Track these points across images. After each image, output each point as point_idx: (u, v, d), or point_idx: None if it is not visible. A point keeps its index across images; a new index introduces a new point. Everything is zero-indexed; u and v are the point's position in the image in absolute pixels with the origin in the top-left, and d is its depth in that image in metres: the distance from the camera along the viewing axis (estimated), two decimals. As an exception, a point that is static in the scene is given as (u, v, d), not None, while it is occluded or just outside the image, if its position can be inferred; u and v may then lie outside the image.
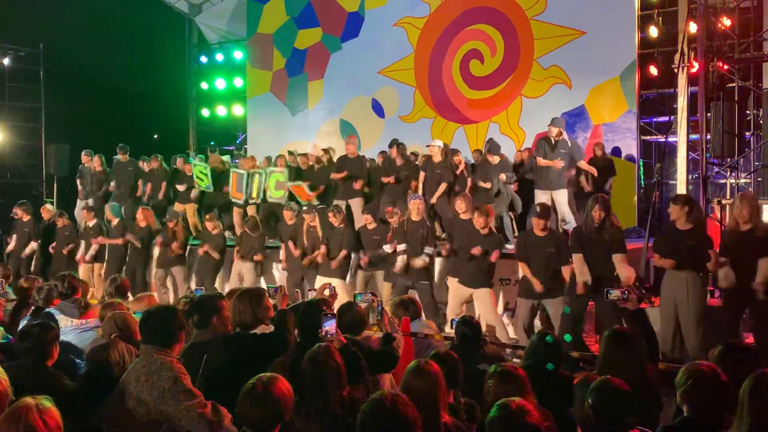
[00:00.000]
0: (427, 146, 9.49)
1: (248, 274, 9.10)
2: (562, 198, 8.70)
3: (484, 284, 7.12)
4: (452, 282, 7.35)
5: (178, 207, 10.83)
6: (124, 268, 9.73)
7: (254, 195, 10.31)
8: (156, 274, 9.57)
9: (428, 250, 7.70)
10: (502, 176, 9.18)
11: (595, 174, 9.26)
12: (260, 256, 9.10)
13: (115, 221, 9.89)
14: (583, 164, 9.08)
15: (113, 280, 5.94)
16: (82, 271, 9.85)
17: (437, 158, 9.10)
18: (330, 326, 3.71)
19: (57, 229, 10.55)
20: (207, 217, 9.69)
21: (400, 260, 7.64)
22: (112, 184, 11.53)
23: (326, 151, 11.14)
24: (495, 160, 9.20)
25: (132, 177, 11.43)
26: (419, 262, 7.63)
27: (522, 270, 6.83)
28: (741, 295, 5.80)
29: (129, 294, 6.05)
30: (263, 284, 8.54)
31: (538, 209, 6.83)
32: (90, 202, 11.38)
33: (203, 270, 9.34)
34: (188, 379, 3.25)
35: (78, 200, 12.05)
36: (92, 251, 9.94)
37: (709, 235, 6.38)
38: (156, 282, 9.57)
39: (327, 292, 4.54)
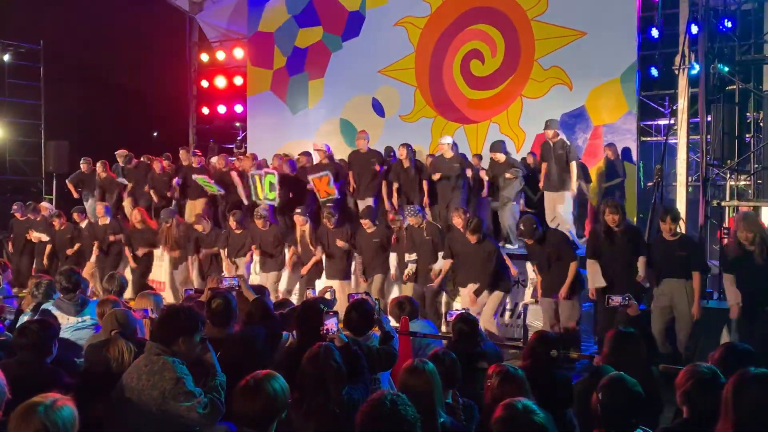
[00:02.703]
0: (439, 144, 9.60)
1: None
2: (563, 200, 8.76)
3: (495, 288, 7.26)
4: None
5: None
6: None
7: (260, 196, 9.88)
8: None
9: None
10: (508, 175, 9.18)
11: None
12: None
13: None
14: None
15: (111, 278, 5.93)
16: (86, 269, 9.89)
17: (448, 155, 9.25)
18: (331, 324, 3.70)
19: (57, 232, 10.47)
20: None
21: (410, 269, 7.80)
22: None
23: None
24: (500, 158, 9.22)
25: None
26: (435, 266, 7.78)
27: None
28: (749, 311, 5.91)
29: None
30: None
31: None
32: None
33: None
34: (190, 379, 3.22)
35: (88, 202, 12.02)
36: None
37: (697, 243, 6.45)
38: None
39: (328, 295, 4.58)
